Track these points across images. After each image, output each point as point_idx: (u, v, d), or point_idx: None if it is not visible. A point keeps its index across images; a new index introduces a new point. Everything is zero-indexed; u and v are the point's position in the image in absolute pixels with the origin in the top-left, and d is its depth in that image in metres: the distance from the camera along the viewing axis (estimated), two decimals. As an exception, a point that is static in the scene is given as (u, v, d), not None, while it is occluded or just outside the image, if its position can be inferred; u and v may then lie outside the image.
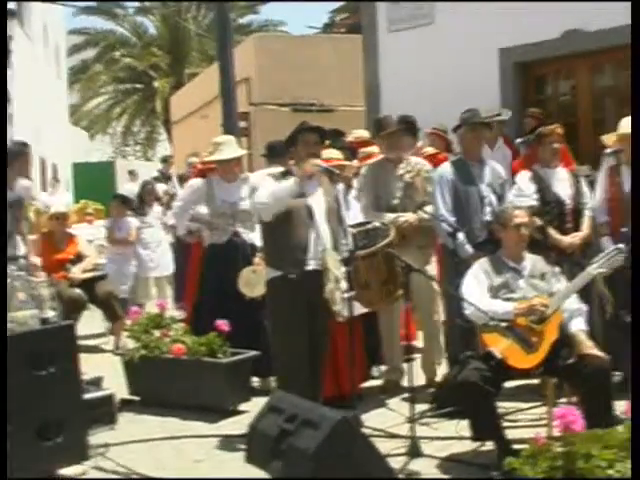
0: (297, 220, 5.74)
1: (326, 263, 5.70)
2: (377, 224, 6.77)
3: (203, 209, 7.62)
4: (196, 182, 7.84)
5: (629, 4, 5.80)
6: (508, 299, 5.44)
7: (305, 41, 21.06)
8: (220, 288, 7.26)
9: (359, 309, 6.25)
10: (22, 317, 5.32)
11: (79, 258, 9.53)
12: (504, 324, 5.30)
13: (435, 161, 7.85)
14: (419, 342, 7.47)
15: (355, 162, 7.94)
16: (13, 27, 17.00)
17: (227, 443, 5.95)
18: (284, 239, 5.77)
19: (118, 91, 38.30)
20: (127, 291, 10.61)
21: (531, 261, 5.65)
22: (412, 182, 7.09)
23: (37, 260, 8.49)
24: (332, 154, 7.08)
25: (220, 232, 7.41)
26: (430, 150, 8.70)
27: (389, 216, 6.98)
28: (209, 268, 7.46)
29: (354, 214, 7.01)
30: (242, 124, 16.45)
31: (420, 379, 6.85)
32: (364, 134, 9.42)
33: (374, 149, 8.14)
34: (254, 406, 6.12)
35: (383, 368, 7.45)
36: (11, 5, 17.89)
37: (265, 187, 5.79)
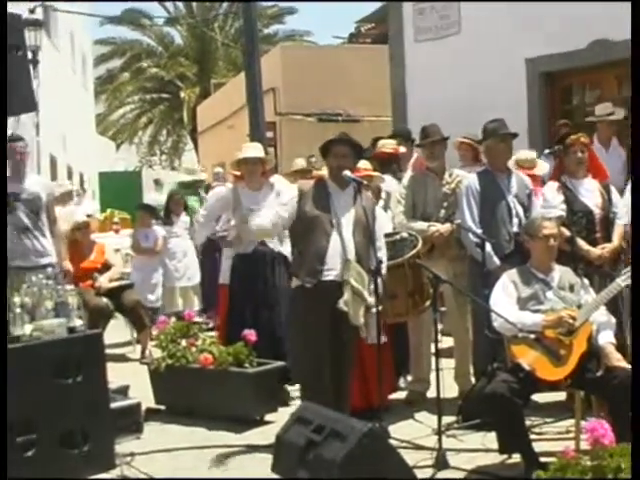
0: (318, 230, 5.73)
1: (346, 275, 5.68)
2: (405, 235, 6.75)
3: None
4: (221, 190, 7.84)
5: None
6: (536, 311, 5.40)
7: (331, 51, 21.12)
8: (247, 298, 7.26)
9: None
10: (49, 326, 5.34)
11: (106, 267, 9.57)
12: (532, 336, 5.26)
13: None
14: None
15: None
16: (40, 37, 17.10)
17: (253, 453, 5.94)
18: (304, 249, 5.79)
19: (144, 101, 38.50)
20: (153, 300, 10.64)
21: (560, 272, 5.61)
22: (450, 193, 7.07)
23: (69, 265, 8.47)
24: (361, 164, 7.07)
25: (246, 241, 7.40)
26: None
27: (421, 225, 6.96)
28: (236, 279, 7.44)
29: (380, 225, 6.98)
30: (269, 134, 16.47)
31: (450, 390, 6.79)
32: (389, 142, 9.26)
33: None
34: (281, 416, 6.12)
35: (410, 379, 7.42)
36: (38, 16, 18.02)
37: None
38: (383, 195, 7.55)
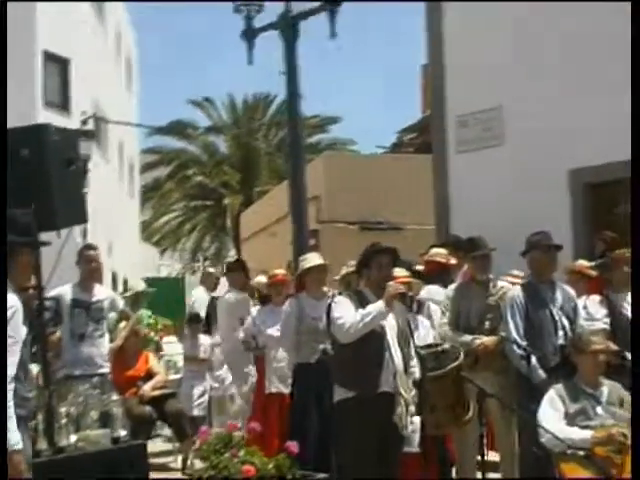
0: (372, 342, 5.73)
1: (397, 386, 5.68)
2: (447, 346, 6.71)
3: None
4: (285, 307, 7.80)
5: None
6: (585, 427, 5.32)
7: (373, 160, 21.34)
8: (312, 409, 7.20)
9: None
10: (94, 436, 5.36)
11: (149, 375, 9.56)
12: (582, 453, 5.16)
13: None
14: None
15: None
16: (91, 147, 17.53)
17: None
18: (358, 360, 5.75)
19: (189, 208, 39.03)
20: (199, 409, 10.57)
21: (609, 387, 5.54)
22: (494, 305, 7.06)
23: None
24: (399, 273, 7.08)
25: (309, 350, 7.33)
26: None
27: (465, 338, 6.93)
28: (300, 389, 7.37)
29: (423, 334, 6.96)
30: (311, 242, 16.55)
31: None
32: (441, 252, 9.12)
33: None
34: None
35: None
36: (90, 126, 18.53)
37: (345, 309, 5.81)
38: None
